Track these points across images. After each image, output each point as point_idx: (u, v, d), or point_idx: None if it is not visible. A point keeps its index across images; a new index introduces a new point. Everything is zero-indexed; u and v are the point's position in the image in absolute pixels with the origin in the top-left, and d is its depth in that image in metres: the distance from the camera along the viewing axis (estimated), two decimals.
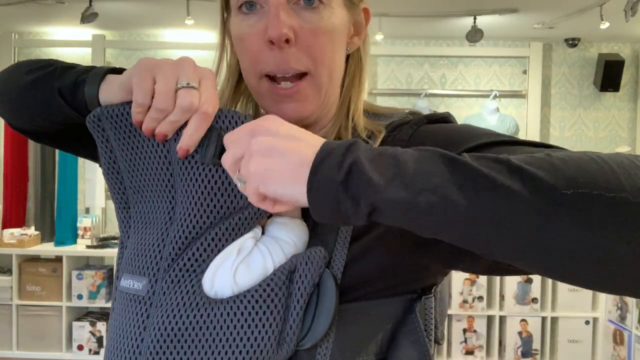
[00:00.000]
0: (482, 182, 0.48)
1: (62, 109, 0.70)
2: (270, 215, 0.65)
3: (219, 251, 0.61)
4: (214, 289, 0.60)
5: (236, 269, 0.60)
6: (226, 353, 0.59)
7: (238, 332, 0.59)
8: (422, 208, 0.49)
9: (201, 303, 0.59)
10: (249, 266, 0.61)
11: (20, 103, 0.74)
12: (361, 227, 0.64)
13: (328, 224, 0.63)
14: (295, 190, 0.53)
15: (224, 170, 0.60)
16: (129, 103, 0.61)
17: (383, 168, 0.51)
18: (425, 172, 0.50)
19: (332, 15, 0.68)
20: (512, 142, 0.60)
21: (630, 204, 0.46)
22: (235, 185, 0.60)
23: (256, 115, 0.77)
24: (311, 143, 0.54)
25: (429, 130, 0.68)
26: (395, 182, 0.50)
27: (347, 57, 0.75)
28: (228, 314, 0.59)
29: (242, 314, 0.59)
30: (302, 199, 0.52)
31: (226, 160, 0.58)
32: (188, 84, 0.59)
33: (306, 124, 0.70)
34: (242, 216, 0.61)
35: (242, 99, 0.77)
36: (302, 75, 0.68)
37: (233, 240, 0.61)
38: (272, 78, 0.68)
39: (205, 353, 0.59)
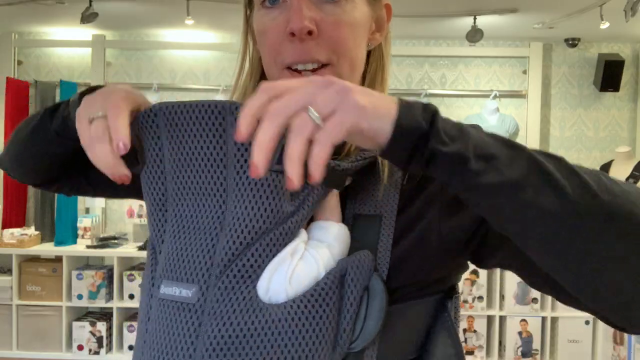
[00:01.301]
0: (535, 166, 0.52)
1: (63, 142, 0.72)
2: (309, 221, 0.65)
3: (273, 256, 0.59)
4: (268, 295, 0.59)
5: (292, 273, 0.60)
6: (285, 358, 0.58)
7: (297, 337, 0.58)
8: (475, 170, 0.51)
9: (258, 309, 0.58)
10: (302, 270, 0.60)
11: (29, 155, 0.78)
12: (399, 232, 0.66)
13: (367, 229, 0.65)
14: (386, 123, 0.51)
15: (281, 176, 0.58)
16: (189, 102, 0.60)
17: (454, 129, 0.53)
18: (490, 143, 0.53)
19: (354, 9, 0.68)
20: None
21: None
22: (300, 193, 0.60)
23: None
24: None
25: None
26: (460, 141, 0.52)
27: (369, 54, 0.74)
28: (286, 319, 0.58)
29: (299, 318, 0.58)
30: (388, 131, 0.51)
31: (293, 99, 0.51)
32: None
33: None
34: (294, 219, 0.60)
35: None
36: (323, 66, 0.67)
37: (286, 244, 0.60)
38: (294, 70, 0.68)
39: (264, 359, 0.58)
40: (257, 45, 0.73)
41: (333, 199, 0.65)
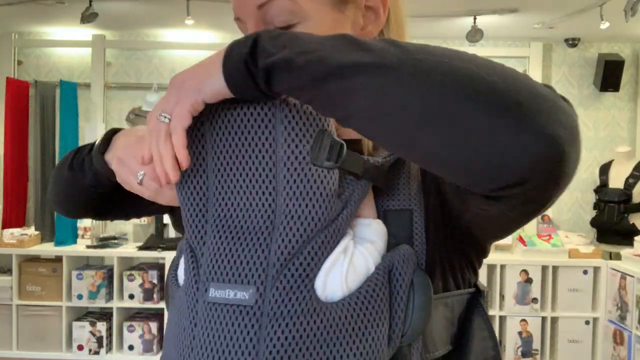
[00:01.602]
0: (360, 46, 0.54)
1: (100, 190, 0.79)
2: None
3: (327, 254, 0.59)
4: (325, 293, 0.59)
5: (346, 271, 0.60)
6: (348, 356, 0.58)
7: (356, 334, 0.59)
8: (299, 65, 0.53)
9: (318, 308, 0.57)
10: (355, 267, 0.60)
11: (72, 203, 0.85)
12: (429, 225, 0.67)
13: (400, 224, 0.66)
14: (216, 79, 0.57)
15: (331, 172, 0.60)
16: (237, 102, 0.61)
17: (280, 41, 0.56)
18: (312, 39, 0.56)
19: (310, 28, 0.67)
20: None
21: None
22: (342, 186, 0.61)
23: None
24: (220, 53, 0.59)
25: None
26: (284, 49, 0.55)
27: None
28: (346, 317, 0.58)
29: (357, 314, 0.59)
30: (223, 84, 0.57)
31: (151, 116, 0.60)
32: None
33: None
34: (343, 216, 0.60)
35: None
36: None
37: (337, 242, 0.60)
38: None
39: (328, 359, 0.58)
40: None
41: (369, 196, 0.65)
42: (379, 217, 0.66)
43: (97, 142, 0.77)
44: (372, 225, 0.65)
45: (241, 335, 0.57)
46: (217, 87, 0.57)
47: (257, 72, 0.55)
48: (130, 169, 0.69)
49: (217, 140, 0.61)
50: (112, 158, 0.73)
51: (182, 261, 0.67)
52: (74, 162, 0.80)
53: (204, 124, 0.61)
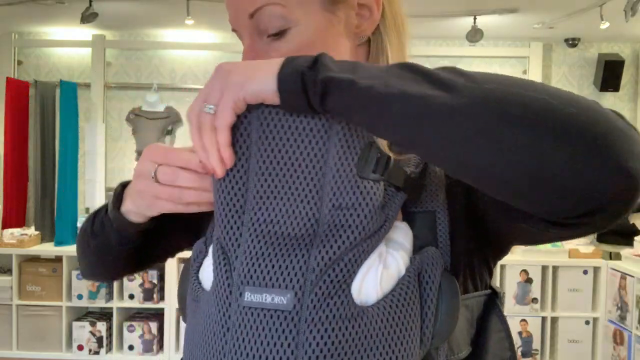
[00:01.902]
0: (423, 77, 0.54)
1: (127, 247, 0.78)
2: None
3: (364, 260, 0.60)
4: (360, 297, 0.59)
5: (381, 275, 0.60)
6: (384, 359, 0.58)
7: (392, 337, 0.59)
8: (363, 87, 0.54)
9: (355, 313, 0.57)
10: (388, 270, 0.61)
11: (104, 258, 0.82)
12: (452, 227, 0.67)
13: (423, 226, 0.66)
14: (267, 80, 0.57)
15: (377, 184, 0.60)
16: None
17: (342, 65, 0.57)
18: (376, 68, 0.57)
19: (302, 32, 0.68)
20: None
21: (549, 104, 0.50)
22: (389, 201, 0.61)
23: None
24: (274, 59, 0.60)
25: None
26: (347, 71, 0.56)
27: (370, 45, 0.74)
28: (381, 320, 0.58)
29: (392, 318, 0.59)
30: (273, 88, 0.57)
31: (195, 102, 0.60)
32: None
33: None
34: (386, 226, 0.61)
35: None
36: None
37: (375, 248, 0.61)
38: None
39: None
40: None
41: None
42: (403, 219, 0.66)
43: (110, 201, 0.76)
44: (401, 228, 0.65)
45: (279, 341, 0.56)
46: (263, 88, 0.57)
47: (314, 84, 0.55)
48: (149, 189, 0.66)
49: (266, 143, 0.59)
50: (128, 203, 0.72)
51: (206, 263, 0.66)
52: (94, 228, 0.79)
53: (251, 124, 0.60)
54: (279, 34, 0.68)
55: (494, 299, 0.73)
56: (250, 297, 0.57)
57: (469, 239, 0.69)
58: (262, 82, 0.57)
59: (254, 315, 0.57)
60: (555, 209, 0.53)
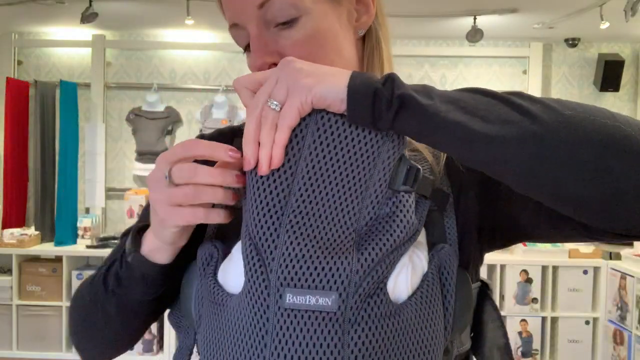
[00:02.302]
0: (495, 105, 0.57)
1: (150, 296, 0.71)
2: None
3: (399, 261, 0.62)
4: (394, 295, 0.61)
5: (411, 272, 0.63)
6: (417, 352, 0.61)
7: (422, 330, 0.61)
8: (442, 117, 0.56)
9: (393, 310, 0.59)
10: (415, 269, 0.63)
11: (125, 320, 0.75)
12: (461, 230, 0.71)
13: (432, 224, 0.69)
14: (338, 88, 0.58)
15: (407, 196, 0.63)
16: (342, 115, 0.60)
17: (416, 86, 0.59)
18: (448, 92, 0.59)
19: (311, 20, 0.69)
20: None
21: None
22: (418, 209, 0.65)
23: None
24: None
25: None
26: (423, 93, 0.58)
27: (365, 39, 0.76)
28: (414, 315, 0.61)
29: (421, 313, 0.61)
30: (341, 96, 0.58)
31: (258, 96, 0.60)
32: None
33: None
34: (418, 233, 0.64)
35: None
36: None
37: (407, 251, 0.63)
38: None
39: (412, 358, 0.60)
40: None
41: None
42: None
43: (127, 248, 0.70)
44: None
45: (325, 342, 0.57)
46: (331, 95, 0.57)
47: (390, 100, 0.56)
48: (162, 196, 0.63)
49: (319, 149, 0.60)
50: (151, 241, 0.68)
51: (228, 266, 0.65)
52: (109, 286, 0.72)
53: (308, 127, 0.60)
54: (289, 23, 0.68)
55: (485, 290, 0.75)
56: (292, 299, 0.57)
57: (474, 235, 0.72)
58: (332, 88, 0.57)
59: (297, 317, 0.57)
60: (619, 223, 0.57)
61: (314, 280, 0.57)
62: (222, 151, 0.60)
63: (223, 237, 0.71)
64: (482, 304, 0.74)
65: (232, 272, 0.64)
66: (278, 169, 0.59)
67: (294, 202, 0.59)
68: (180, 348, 0.72)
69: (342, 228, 0.60)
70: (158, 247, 0.68)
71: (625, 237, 0.60)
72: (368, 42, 0.76)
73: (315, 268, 0.58)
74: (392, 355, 0.59)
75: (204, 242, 0.69)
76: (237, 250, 0.65)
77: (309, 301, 0.57)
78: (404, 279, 0.62)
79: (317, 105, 0.58)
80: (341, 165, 0.60)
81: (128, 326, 0.76)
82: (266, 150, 0.58)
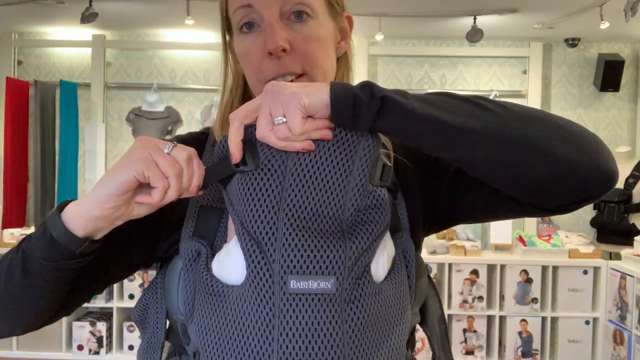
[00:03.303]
0: (460, 104, 0.68)
1: (61, 266, 0.69)
2: None
3: (378, 246, 0.71)
4: (375, 277, 0.69)
5: (386, 256, 0.72)
6: (398, 323, 0.70)
7: (398, 304, 0.70)
8: (419, 114, 0.65)
9: (377, 289, 0.68)
10: (389, 252, 0.73)
11: (27, 299, 0.72)
12: (412, 218, 0.82)
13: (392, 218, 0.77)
14: (322, 96, 0.66)
15: (384, 189, 0.72)
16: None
17: (394, 90, 0.67)
18: (419, 95, 0.69)
19: (320, 25, 0.80)
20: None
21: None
22: (392, 203, 0.76)
23: None
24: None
25: None
26: (400, 95, 0.67)
27: (338, 61, 0.86)
28: (390, 292, 0.70)
29: (396, 291, 0.71)
30: (325, 101, 0.66)
31: (261, 119, 0.67)
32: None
33: None
34: (390, 221, 0.72)
35: None
36: (299, 76, 0.79)
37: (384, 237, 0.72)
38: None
39: (391, 330, 0.69)
40: (240, 65, 0.84)
41: None
42: None
43: (46, 221, 0.70)
44: None
45: (327, 320, 0.64)
46: (317, 102, 0.66)
47: (370, 100, 0.65)
48: (154, 156, 0.67)
49: (300, 155, 0.68)
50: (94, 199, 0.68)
51: (227, 260, 0.70)
52: (27, 265, 0.70)
53: None
54: (302, 19, 0.78)
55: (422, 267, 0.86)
56: (296, 284, 0.64)
57: (420, 224, 0.84)
58: (316, 95, 0.66)
59: (302, 300, 0.64)
60: (556, 199, 0.71)
61: (314, 267, 0.65)
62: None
63: (202, 237, 0.75)
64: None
65: (232, 266, 0.69)
66: (270, 169, 0.67)
67: (287, 197, 0.67)
68: (150, 343, 0.77)
69: (330, 219, 0.67)
70: (79, 214, 0.68)
71: (550, 212, 0.74)
72: (340, 65, 0.87)
73: (315, 256, 0.65)
74: (379, 328, 0.68)
75: (186, 241, 0.74)
76: (235, 246, 0.69)
77: (311, 285, 0.64)
78: (382, 262, 0.71)
79: (306, 114, 0.66)
80: (323, 162, 0.68)
81: (39, 305, 0.73)
82: (296, 144, 0.66)
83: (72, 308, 0.79)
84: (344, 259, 0.66)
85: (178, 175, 0.67)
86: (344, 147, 0.68)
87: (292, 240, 0.65)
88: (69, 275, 0.72)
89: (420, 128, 0.66)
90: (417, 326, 0.84)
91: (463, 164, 0.71)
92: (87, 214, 0.68)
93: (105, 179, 0.68)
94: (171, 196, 0.68)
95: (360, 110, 0.65)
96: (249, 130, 0.69)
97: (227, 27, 0.85)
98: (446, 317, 0.88)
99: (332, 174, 0.68)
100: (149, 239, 0.81)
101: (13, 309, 0.74)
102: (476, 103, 0.68)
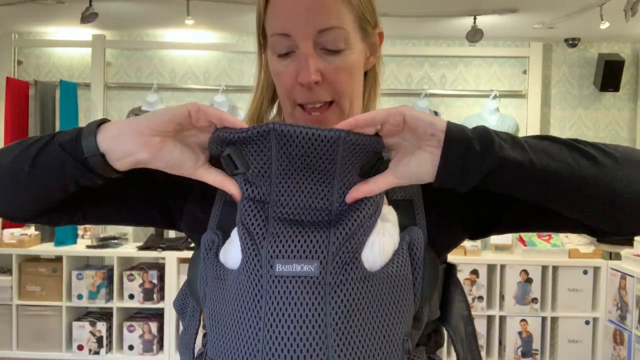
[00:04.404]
0: (571, 150, 0.71)
1: (71, 168, 0.73)
2: None
3: (369, 234, 0.73)
4: (368, 265, 0.71)
5: (382, 247, 0.73)
6: (391, 314, 0.71)
7: (394, 295, 0.71)
8: (537, 169, 0.68)
9: (367, 276, 0.70)
10: (387, 243, 0.74)
11: (25, 192, 0.77)
12: (435, 217, 0.82)
13: (404, 212, 0.80)
14: (436, 125, 0.68)
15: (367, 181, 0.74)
16: (304, 127, 0.70)
17: (504, 138, 0.69)
18: (533, 141, 0.71)
19: (352, 54, 0.81)
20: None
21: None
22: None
23: None
24: None
25: None
26: (516, 148, 0.69)
27: (366, 73, 0.88)
28: (385, 282, 0.71)
29: (393, 280, 0.72)
30: (439, 135, 0.67)
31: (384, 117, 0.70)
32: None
33: None
34: (380, 208, 0.75)
35: (279, 114, 0.93)
36: (329, 103, 0.82)
37: (374, 226, 0.74)
38: (303, 106, 0.82)
39: (383, 318, 0.70)
40: (273, 79, 0.86)
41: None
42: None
43: (82, 131, 0.73)
44: (390, 211, 0.79)
45: (310, 301, 0.67)
46: (430, 126, 0.68)
47: (484, 159, 0.67)
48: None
49: (284, 153, 0.71)
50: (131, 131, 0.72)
51: (228, 247, 0.76)
52: (39, 158, 0.74)
53: (271, 138, 0.71)
54: (336, 52, 0.80)
55: (450, 270, 0.86)
56: (281, 267, 0.69)
57: (454, 226, 0.84)
58: (428, 121, 0.69)
59: (286, 282, 0.68)
60: (619, 229, 0.75)
61: (298, 251, 0.69)
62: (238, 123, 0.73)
63: (222, 229, 0.81)
64: (448, 281, 0.85)
65: (231, 252, 0.75)
66: (255, 174, 0.72)
67: (274, 197, 0.72)
68: (187, 329, 0.83)
69: (317, 210, 0.72)
70: (127, 135, 0.72)
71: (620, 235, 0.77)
72: (369, 78, 0.89)
73: (299, 241, 0.70)
74: (367, 315, 0.69)
75: (208, 232, 0.80)
76: (235, 235, 0.75)
77: (295, 268, 0.68)
78: (377, 250, 0.72)
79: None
80: (306, 159, 0.71)
81: (37, 198, 0.78)
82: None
83: (64, 219, 0.89)
84: (327, 244, 0.69)
85: (220, 117, 0.72)
86: (324, 143, 0.70)
87: (280, 230, 0.71)
88: (72, 187, 0.76)
89: (534, 185, 0.70)
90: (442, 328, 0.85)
91: (554, 206, 0.74)
92: (136, 135, 0.72)
93: (157, 113, 0.74)
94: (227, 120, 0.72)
95: (470, 165, 0.67)
96: (228, 132, 0.71)
97: (262, 34, 0.86)
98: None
99: (317, 169, 0.71)
100: (159, 194, 0.88)
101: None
102: (584, 151, 0.71)
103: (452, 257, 0.93)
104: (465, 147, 0.67)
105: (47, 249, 3.91)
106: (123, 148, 0.72)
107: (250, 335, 0.68)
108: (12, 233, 3.87)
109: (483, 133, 0.68)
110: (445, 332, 0.87)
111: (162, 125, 0.72)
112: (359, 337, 0.68)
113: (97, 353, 3.77)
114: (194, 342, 0.81)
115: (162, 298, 3.83)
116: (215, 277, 0.75)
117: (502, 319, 3.79)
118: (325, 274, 0.68)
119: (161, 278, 3.84)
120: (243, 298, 0.70)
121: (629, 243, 3.77)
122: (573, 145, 0.71)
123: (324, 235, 0.70)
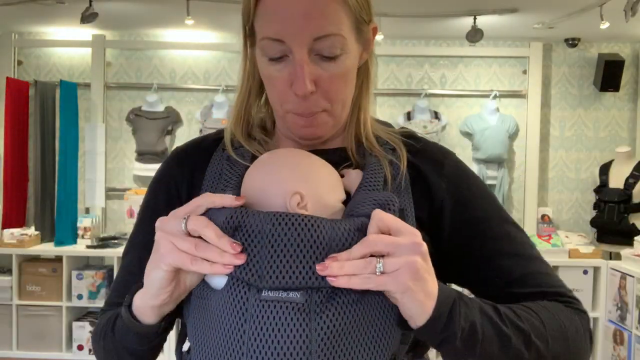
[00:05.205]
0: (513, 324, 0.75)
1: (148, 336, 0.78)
2: None
3: None
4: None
5: None
6: (378, 338, 0.70)
7: (384, 318, 0.70)
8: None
9: (357, 299, 0.69)
10: None
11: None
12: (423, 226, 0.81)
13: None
14: (423, 306, 0.68)
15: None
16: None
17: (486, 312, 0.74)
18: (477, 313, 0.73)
19: (347, 58, 0.78)
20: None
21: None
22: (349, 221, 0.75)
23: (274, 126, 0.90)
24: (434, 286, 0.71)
25: (460, 167, 0.87)
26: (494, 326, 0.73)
27: (358, 70, 0.84)
28: (375, 303, 0.70)
29: (383, 301, 0.70)
30: (423, 313, 0.68)
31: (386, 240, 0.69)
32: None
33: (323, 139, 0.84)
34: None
35: (266, 106, 0.89)
36: (321, 111, 0.79)
37: None
38: (295, 114, 0.80)
39: (364, 342, 0.69)
40: (264, 81, 0.82)
41: None
42: None
43: (123, 305, 0.78)
44: None
45: (295, 327, 0.67)
46: (416, 304, 0.68)
47: (467, 338, 0.70)
48: (177, 243, 0.70)
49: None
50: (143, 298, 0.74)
51: None
52: (113, 334, 0.82)
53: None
54: (332, 58, 0.76)
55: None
56: (267, 292, 0.68)
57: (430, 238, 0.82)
58: (419, 300, 0.69)
59: (271, 307, 0.67)
60: None
61: (285, 281, 0.67)
62: (229, 199, 0.70)
63: None
64: None
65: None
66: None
67: (267, 230, 0.70)
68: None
69: (308, 242, 0.68)
70: (144, 308, 0.74)
71: None
72: (360, 74, 0.85)
73: (287, 272, 0.67)
74: (354, 338, 0.68)
75: None
76: None
77: (281, 294, 0.67)
78: None
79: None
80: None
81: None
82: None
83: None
84: (313, 277, 0.67)
85: (205, 250, 0.69)
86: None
87: (267, 261, 0.68)
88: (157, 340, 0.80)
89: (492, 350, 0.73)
90: None
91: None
92: (151, 307, 0.74)
93: (146, 281, 0.73)
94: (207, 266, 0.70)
95: (450, 337, 0.69)
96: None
97: (250, 32, 0.83)
98: None
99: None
100: None
101: None
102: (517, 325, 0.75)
103: None
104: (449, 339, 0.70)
105: (47, 249, 3.91)
106: (149, 320, 0.76)
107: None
108: (12, 233, 3.87)
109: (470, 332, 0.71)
110: None
111: (159, 294, 0.72)
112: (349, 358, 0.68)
113: None
114: (181, 348, 0.83)
115: None
116: (197, 295, 0.74)
117: None
118: (310, 302, 0.67)
119: None
120: (227, 321, 0.69)
121: (629, 243, 3.77)
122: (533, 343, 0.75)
123: (308, 263, 0.68)
